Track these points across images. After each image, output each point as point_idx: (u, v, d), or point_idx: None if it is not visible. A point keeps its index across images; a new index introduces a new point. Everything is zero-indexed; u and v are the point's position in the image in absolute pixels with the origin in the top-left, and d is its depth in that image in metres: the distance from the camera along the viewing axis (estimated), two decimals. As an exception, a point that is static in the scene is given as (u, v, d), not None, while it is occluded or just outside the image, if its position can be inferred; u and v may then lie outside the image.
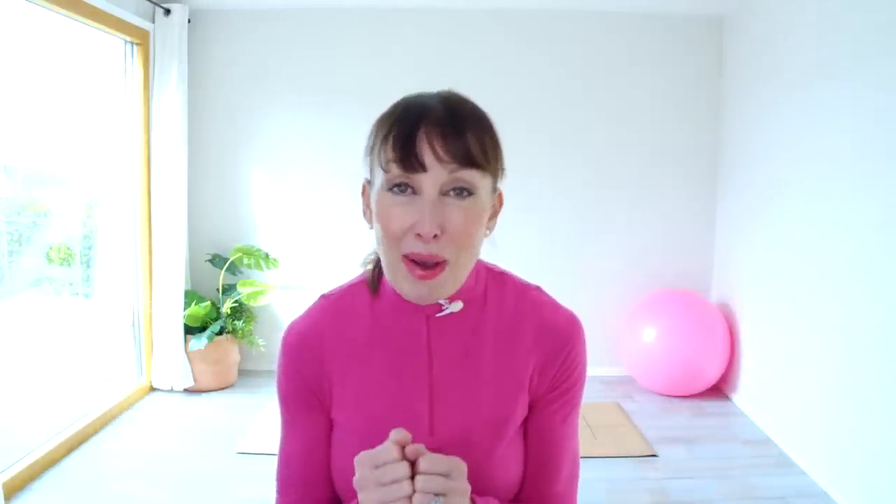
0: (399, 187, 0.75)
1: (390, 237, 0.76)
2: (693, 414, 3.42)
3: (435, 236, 0.74)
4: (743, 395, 3.49)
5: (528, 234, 3.89)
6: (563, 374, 0.86)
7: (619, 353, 3.80)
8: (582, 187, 3.93)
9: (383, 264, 0.81)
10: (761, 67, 3.32)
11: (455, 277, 0.79)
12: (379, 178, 0.77)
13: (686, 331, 3.47)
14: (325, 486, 0.88)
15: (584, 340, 0.88)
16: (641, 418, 3.34)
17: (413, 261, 0.76)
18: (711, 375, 3.54)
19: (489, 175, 0.78)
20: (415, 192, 0.75)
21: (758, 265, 3.36)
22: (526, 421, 0.87)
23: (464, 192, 0.75)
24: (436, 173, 0.74)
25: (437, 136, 0.74)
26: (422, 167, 0.73)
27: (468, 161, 0.74)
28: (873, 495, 2.34)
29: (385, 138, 0.76)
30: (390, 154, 0.75)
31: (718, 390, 3.70)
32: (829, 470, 2.63)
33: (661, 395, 3.66)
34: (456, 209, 0.75)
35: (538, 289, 0.92)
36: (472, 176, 0.75)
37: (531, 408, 0.87)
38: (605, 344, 3.81)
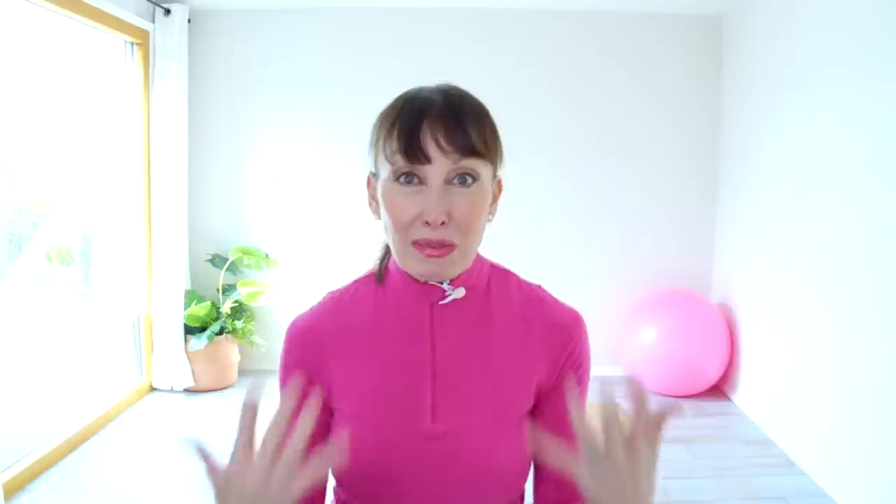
0: (406, 177, 0.79)
1: (399, 226, 0.80)
2: (693, 414, 3.42)
3: (442, 223, 0.77)
4: (743, 395, 3.49)
5: (529, 233, 3.89)
6: (569, 371, 0.89)
7: (619, 353, 3.80)
8: (582, 187, 3.93)
9: (393, 251, 0.84)
10: (761, 67, 3.32)
11: (463, 257, 0.83)
12: (385, 169, 0.81)
13: (686, 331, 3.47)
14: None
15: (587, 336, 0.91)
16: (641, 418, 3.34)
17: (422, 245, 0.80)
18: (711, 375, 3.54)
19: (489, 163, 0.82)
20: (420, 181, 0.78)
21: (758, 265, 3.36)
22: (535, 416, 0.89)
23: (467, 179, 0.79)
24: (440, 164, 0.77)
25: (440, 128, 0.77)
26: (427, 159, 0.77)
27: (470, 151, 0.78)
28: (873, 495, 2.34)
29: (389, 132, 0.79)
30: (395, 146, 0.78)
31: (718, 390, 3.70)
32: (829, 470, 2.63)
33: (662, 395, 3.66)
34: (460, 196, 0.79)
35: (540, 287, 0.94)
36: (474, 164, 0.79)
37: (540, 402, 0.89)
38: (605, 344, 3.80)
